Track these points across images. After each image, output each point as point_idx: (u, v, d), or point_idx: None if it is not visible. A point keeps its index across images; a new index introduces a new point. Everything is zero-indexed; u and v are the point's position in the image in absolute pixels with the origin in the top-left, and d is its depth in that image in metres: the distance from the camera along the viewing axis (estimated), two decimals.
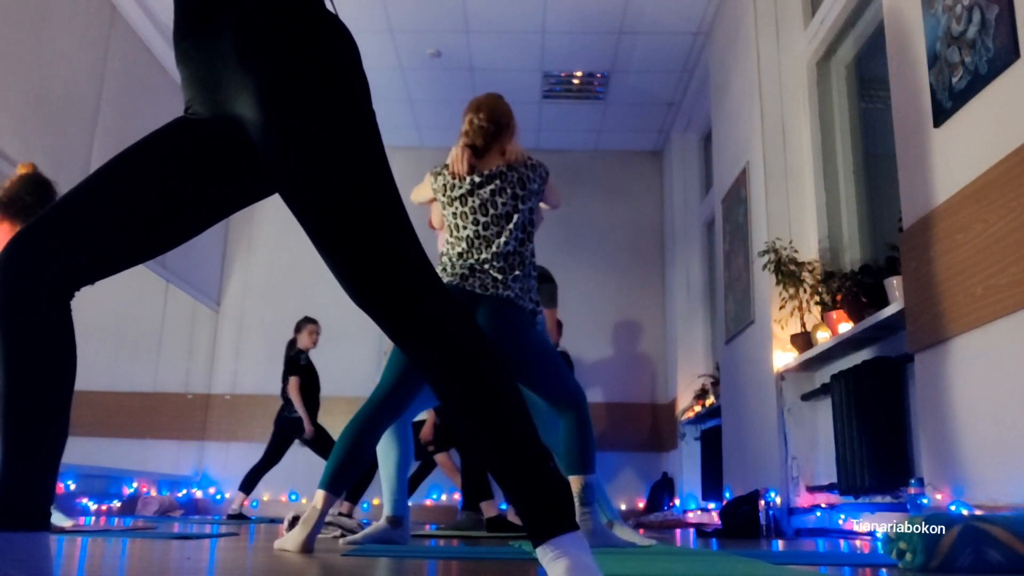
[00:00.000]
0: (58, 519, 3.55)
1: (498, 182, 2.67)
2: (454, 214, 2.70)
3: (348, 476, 2.45)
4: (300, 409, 5.58)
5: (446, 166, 2.77)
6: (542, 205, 2.91)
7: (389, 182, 1.21)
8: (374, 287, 1.18)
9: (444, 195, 2.74)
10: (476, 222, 2.65)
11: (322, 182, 1.17)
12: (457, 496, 6.67)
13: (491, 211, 2.64)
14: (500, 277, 2.58)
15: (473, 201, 2.67)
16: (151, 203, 1.17)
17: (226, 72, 1.20)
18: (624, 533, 2.97)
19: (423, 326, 1.19)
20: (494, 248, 2.61)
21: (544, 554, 1.11)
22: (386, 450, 2.89)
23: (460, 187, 2.70)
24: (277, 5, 1.21)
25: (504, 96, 2.91)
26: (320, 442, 5.64)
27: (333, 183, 1.17)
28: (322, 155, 1.17)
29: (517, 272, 2.61)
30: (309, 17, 1.22)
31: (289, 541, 2.34)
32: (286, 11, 1.21)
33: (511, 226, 2.63)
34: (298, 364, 5.72)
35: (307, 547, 2.33)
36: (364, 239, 1.17)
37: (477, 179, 2.68)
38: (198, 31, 1.23)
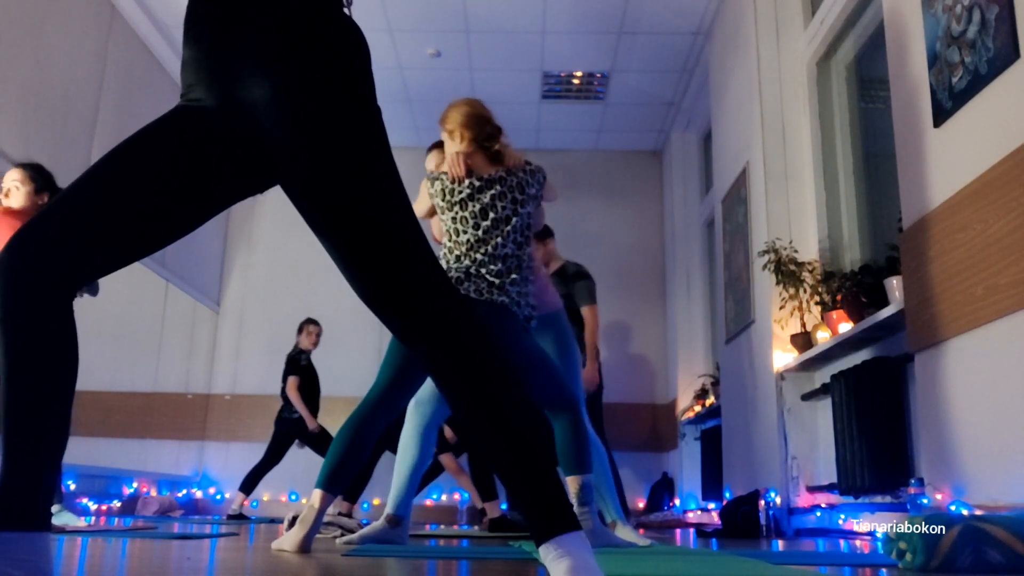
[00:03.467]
0: (69, 519, 3.55)
1: (498, 187, 2.65)
2: (453, 219, 2.67)
3: (345, 475, 2.45)
4: (299, 406, 5.59)
5: (444, 172, 2.75)
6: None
7: (397, 181, 1.23)
8: (382, 285, 1.19)
9: (443, 200, 2.70)
10: (476, 226, 2.63)
11: (334, 178, 1.18)
12: (457, 496, 6.69)
13: (491, 215, 2.63)
14: (496, 282, 2.56)
15: (473, 206, 2.65)
16: (152, 197, 1.17)
17: (241, 61, 1.20)
18: (625, 533, 2.98)
19: (430, 326, 1.19)
20: (490, 250, 2.60)
21: (547, 553, 1.12)
22: (406, 450, 2.85)
23: (460, 191, 2.67)
24: (298, 1, 1.21)
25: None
26: (320, 441, 5.64)
27: (344, 179, 1.18)
28: (335, 151, 1.18)
29: (514, 276, 2.60)
30: (328, 15, 1.23)
31: (287, 541, 2.34)
32: (307, 8, 1.21)
33: (508, 228, 2.62)
34: (298, 364, 5.73)
35: (304, 547, 2.33)
36: (373, 236, 1.18)
37: (477, 183, 2.66)
38: (215, 16, 1.23)
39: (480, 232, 2.63)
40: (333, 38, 1.22)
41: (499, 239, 2.61)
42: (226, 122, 1.21)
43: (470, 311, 1.22)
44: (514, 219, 2.64)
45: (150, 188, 1.17)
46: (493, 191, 2.65)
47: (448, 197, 2.69)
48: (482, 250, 2.61)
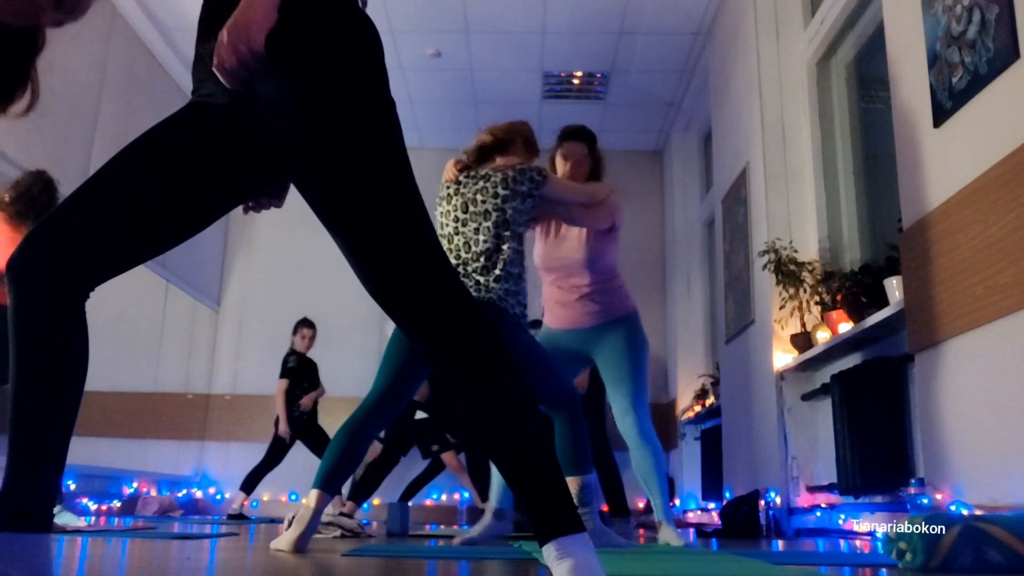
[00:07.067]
0: (69, 519, 3.55)
1: (482, 182, 2.77)
2: (441, 213, 2.83)
3: (342, 476, 2.47)
4: (280, 410, 5.55)
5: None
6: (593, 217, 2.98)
7: (410, 176, 1.22)
8: (392, 280, 1.19)
9: (437, 197, 2.88)
10: (456, 219, 2.77)
11: (347, 172, 1.18)
12: (458, 496, 6.68)
13: (471, 208, 2.75)
14: (482, 280, 2.64)
15: (456, 199, 2.79)
16: (163, 197, 1.16)
17: None
18: (668, 534, 2.93)
19: (438, 321, 1.18)
20: (473, 247, 2.70)
21: (549, 554, 1.12)
22: None
23: (449, 187, 2.85)
24: None
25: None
26: (317, 441, 5.64)
27: (357, 173, 1.18)
28: (348, 145, 1.18)
29: (498, 272, 2.64)
30: (340, 8, 1.22)
31: (283, 541, 2.35)
32: (319, 1, 1.20)
33: (489, 224, 2.70)
34: (284, 366, 5.69)
35: (300, 546, 2.33)
36: (385, 230, 1.18)
37: (463, 180, 2.82)
38: (228, 11, 1.21)
39: (459, 224, 2.75)
40: (345, 31, 1.21)
41: (480, 235, 2.69)
42: (236, 118, 1.20)
43: (478, 307, 1.22)
44: (495, 214, 2.71)
45: (160, 188, 1.16)
46: (476, 186, 2.78)
47: (439, 194, 2.88)
48: (463, 248, 2.69)
